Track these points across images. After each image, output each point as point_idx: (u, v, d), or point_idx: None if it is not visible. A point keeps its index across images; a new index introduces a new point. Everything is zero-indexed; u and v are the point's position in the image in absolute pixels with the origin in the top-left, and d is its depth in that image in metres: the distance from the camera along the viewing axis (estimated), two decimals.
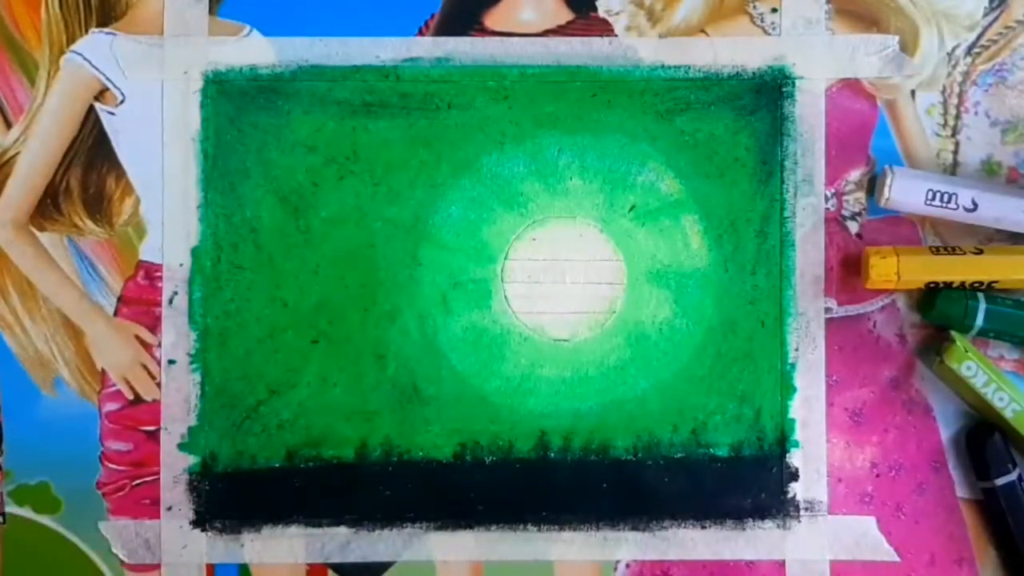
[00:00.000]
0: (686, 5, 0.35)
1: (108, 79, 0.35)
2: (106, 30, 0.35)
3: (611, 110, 0.35)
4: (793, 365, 0.35)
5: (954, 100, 0.35)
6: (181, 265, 0.35)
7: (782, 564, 0.35)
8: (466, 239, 0.35)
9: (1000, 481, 0.34)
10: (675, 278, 0.35)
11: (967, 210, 0.33)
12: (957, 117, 0.35)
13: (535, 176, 0.35)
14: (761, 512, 0.35)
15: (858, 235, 0.35)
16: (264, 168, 0.35)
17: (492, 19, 0.35)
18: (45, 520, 0.36)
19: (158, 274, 0.35)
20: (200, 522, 0.35)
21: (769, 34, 0.35)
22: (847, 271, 0.35)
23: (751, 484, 0.35)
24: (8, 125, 0.35)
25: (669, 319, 0.35)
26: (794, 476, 0.35)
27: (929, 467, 0.35)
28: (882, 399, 0.35)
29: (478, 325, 0.35)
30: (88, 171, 0.35)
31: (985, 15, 0.35)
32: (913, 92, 0.35)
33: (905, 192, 0.34)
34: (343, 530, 0.35)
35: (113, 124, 0.35)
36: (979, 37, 0.35)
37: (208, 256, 0.35)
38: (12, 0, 0.36)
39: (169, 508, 0.35)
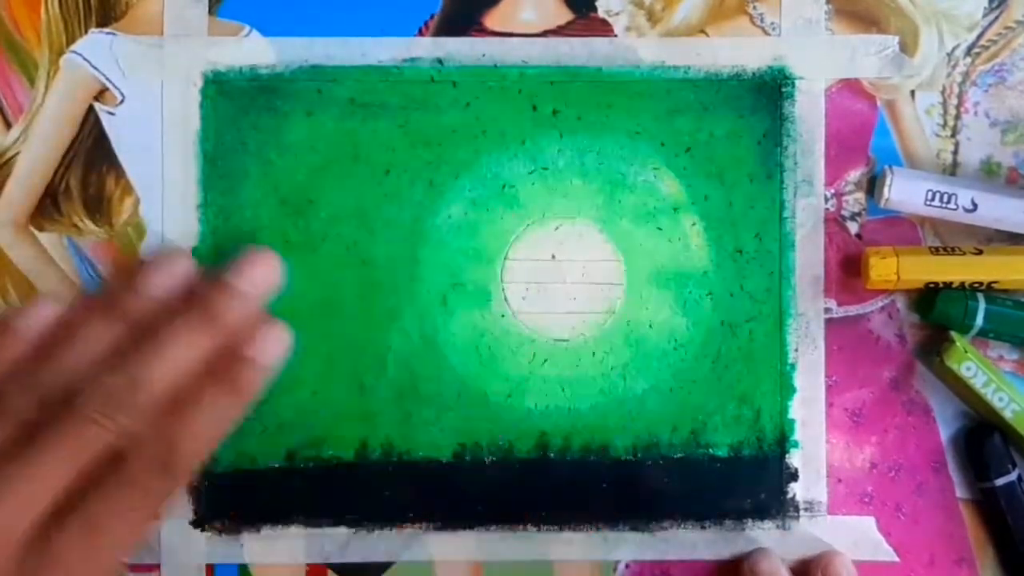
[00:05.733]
0: (686, 5, 0.35)
1: (108, 79, 0.35)
2: (106, 30, 0.35)
3: (611, 110, 0.35)
4: (793, 365, 0.35)
5: (954, 100, 0.35)
6: None
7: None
8: (466, 239, 0.35)
9: (1000, 481, 0.34)
10: (675, 278, 0.35)
11: (967, 210, 0.33)
12: (957, 117, 0.35)
13: (535, 176, 0.35)
14: (761, 512, 0.35)
15: (858, 235, 0.35)
16: (264, 168, 0.35)
17: (492, 19, 0.35)
18: None
19: None
20: (200, 522, 0.35)
21: (769, 34, 0.35)
22: (847, 271, 0.35)
23: (751, 484, 0.35)
24: (8, 125, 0.35)
25: (669, 319, 0.35)
26: (794, 476, 0.35)
27: (929, 467, 0.35)
28: (882, 399, 0.35)
29: (478, 325, 0.35)
30: (88, 171, 0.35)
31: (985, 15, 0.35)
32: (913, 92, 0.35)
33: (905, 192, 0.34)
34: (343, 530, 0.35)
35: (113, 124, 0.35)
36: (979, 37, 0.35)
37: (208, 256, 0.35)
38: (12, 0, 0.36)
39: (169, 508, 0.35)
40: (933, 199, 0.33)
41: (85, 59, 0.35)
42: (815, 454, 0.35)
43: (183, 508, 0.35)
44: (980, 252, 0.34)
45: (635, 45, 0.35)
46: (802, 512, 0.35)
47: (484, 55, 0.35)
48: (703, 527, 0.35)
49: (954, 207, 0.33)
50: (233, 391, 0.30)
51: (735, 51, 0.35)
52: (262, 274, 0.33)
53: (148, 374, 0.29)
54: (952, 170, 0.35)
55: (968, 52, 0.35)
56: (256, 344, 0.31)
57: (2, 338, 0.31)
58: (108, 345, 0.31)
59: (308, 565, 0.35)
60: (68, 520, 0.28)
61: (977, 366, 0.33)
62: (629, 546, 0.35)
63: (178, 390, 0.30)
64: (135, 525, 0.29)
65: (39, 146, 0.35)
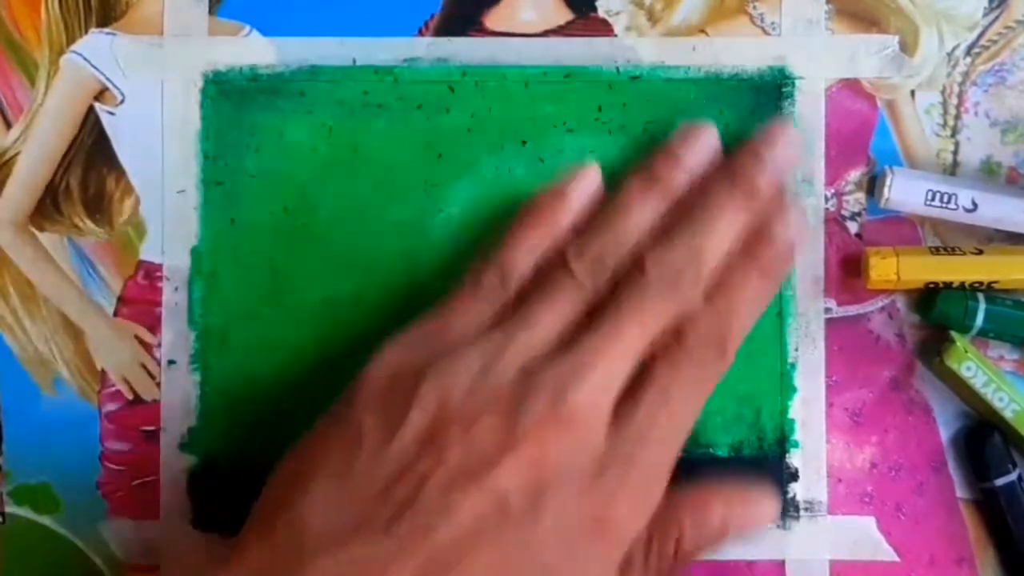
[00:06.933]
0: (686, 5, 0.35)
1: (108, 79, 0.35)
2: (106, 30, 0.35)
3: (611, 110, 0.35)
4: (793, 365, 0.35)
5: (954, 100, 0.35)
6: (181, 265, 0.35)
7: (781, 564, 0.35)
8: (466, 239, 0.35)
9: (1000, 481, 0.34)
10: None
11: (967, 210, 0.33)
12: (957, 117, 0.35)
13: (535, 176, 0.35)
14: None
15: (858, 235, 0.35)
16: (264, 168, 0.35)
17: (492, 19, 0.35)
18: (45, 520, 0.36)
19: (158, 274, 0.35)
20: (200, 522, 0.35)
21: (769, 34, 0.35)
22: (847, 271, 0.35)
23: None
24: (8, 125, 0.35)
25: None
26: (794, 476, 0.35)
27: (929, 467, 0.35)
28: (882, 399, 0.35)
29: None
30: (88, 171, 0.35)
31: (985, 15, 0.35)
32: (913, 92, 0.35)
33: (905, 192, 0.34)
34: None
35: (113, 124, 0.35)
36: (979, 37, 0.35)
37: (208, 256, 0.35)
38: (12, 0, 0.36)
39: (169, 508, 0.35)
40: (933, 199, 0.33)
41: (85, 59, 0.35)
42: (815, 454, 0.35)
43: (183, 508, 0.35)
44: (980, 252, 0.34)
45: (635, 45, 0.35)
46: (802, 512, 0.35)
47: (484, 55, 0.35)
48: None
49: (954, 207, 0.33)
50: (769, 271, 0.31)
51: (735, 51, 0.35)
52: (786, 144, 0.32)
53: (704, 248, 0.30)
54: (952, 170, 0.35)
55: (968, 52, 0.35)
56: (787, 224, 0.31)
57: (556, 207, 0.32)
58: (654, 216, 0.31)
59: None
60: (644, 392, 0.29)
61: (977, 366, 0.33)
62: None
63: (724, 267, 0.30)
64: (698, 398, 0.30)
65: (39, 146, 0.35)
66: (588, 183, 0.32)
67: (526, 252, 0.31)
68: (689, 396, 0.29)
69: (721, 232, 0.30)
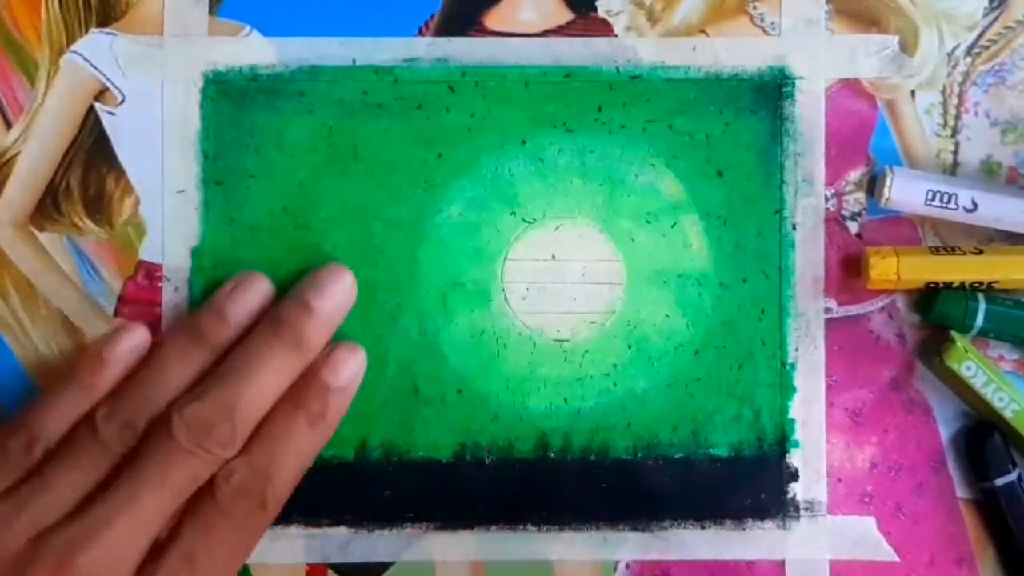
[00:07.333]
0: (686, 5, 0.35)
1: (108, 79, 0.35)
2: (106, 30, 0.35)
3: (611, 110, 0.35)
4: (793, 365, 0.35)
5: (954, 100, 0.35)
6: (181, 265, 0.35)
7: (782, 564, 0.35)
8: (466, 239, 0.35)
9: (1000, 481, 0.34)
10: (675, 278, 0.35)
11: (967, 210, 0.33)
12: (957, 117, 0.35)
13: (535, 176, 0.35)
14: (761, 512, 0.35)
15: (858, 235, 0.35)
16: (264, 168, 0.35)
17: (492, 19, 0.35)
18: None
19: (158, 274, 0.35)
20: None
21: (769, 34, 0.35)
22: (847, 271, 0.35)
23: (751, 484, 0.35)
24: (8, 125, 0.35)
25: (669, 319, 0.35)
26: (794, 476, 0.35)
27: (929, 467, 0.35)
28: (882, 399, 0.35)
29: (478, 325, 0.35)
30: (88, 171, 0.35)
31: (985, 15, 0.35)
32: (913, 92, 0.35)
33: (905, 192, 0.34)
34: (343, 530, 0.35)
35: (113, 124, 0.35)
36: (979, 37, 0.35)
37: (208, 256, 0.35)
38: (12, 0, 0.36)
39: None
40: (933, 199, 0.33)
41: (85, 59, 0.35)
42: (815, 454, 0.35)
43: None
44: (980, 252, 0.34)
45: (635, 45, 0.35)
46: (802, 512, 0.35)
47: (484, 55, 0.35)
48: (703, 527, 0.35)
49: (954, 207, 0.33)
50: (318, 419, 0.30)
51: (735, 51, 0.35)
52: (341, 292, 0.32)
53: (239, 401, 0.29)
54: (952, 170, 0.35)
55: (968, 52, 0.35)
56: (335, 369, 0.31)
57: (94, 370, 0.31)
58: (196, 372, 0.31)
59: (308, 565, 0.35)
60: (168, 553, 0.28)
61: (977, 366, 0.33)
62: (629, 546, 0.35)
63: (265, 417, 0.30)
64: (232, 560, 0.29)
65: (39, 146, 0.35)
66: (129, 342, 0.32)
67: (57, 416, 0.30)
68: (221, 553, 0.29)
69: (261, 383, 0.30)
